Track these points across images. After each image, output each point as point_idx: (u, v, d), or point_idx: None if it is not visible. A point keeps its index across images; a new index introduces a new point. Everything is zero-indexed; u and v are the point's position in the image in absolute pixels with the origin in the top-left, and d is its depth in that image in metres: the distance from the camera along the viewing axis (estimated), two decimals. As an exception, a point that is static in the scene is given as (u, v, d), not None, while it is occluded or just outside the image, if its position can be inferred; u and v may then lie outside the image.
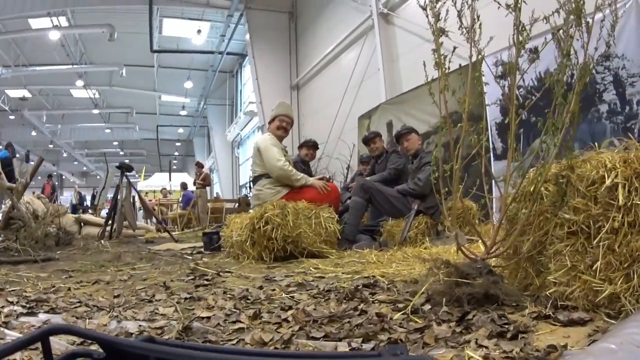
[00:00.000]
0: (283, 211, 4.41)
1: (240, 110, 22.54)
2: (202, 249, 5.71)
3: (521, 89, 6.01)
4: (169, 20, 19.14)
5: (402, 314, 1.88)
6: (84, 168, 43.37)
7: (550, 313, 1.82)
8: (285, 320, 1.90)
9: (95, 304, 2.49)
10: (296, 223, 4.40)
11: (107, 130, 33.29)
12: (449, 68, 2.27)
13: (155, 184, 25.81)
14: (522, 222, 1.96)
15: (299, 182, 5.01)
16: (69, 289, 2.99)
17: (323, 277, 3.08)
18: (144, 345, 0.62)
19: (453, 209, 2.14)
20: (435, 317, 1.80)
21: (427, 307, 1.91)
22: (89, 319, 2.21)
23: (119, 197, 8.14)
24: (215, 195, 22.16)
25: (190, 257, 4.96)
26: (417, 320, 1.80)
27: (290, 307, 2.10)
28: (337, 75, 13.41)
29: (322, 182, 5.12)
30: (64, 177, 43.94)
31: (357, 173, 8.13)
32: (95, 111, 29.12)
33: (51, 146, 34.39)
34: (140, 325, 2.02)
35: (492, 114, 6.15)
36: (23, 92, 24.88)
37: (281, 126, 5.29)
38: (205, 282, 3.02)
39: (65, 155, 38.05)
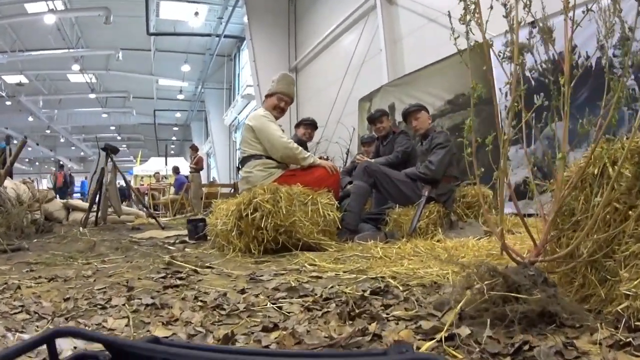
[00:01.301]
0: (275, 196, 3.79)
1: (238, 93, 22.31)
2: (187, 238, 5.18)
3: (534, 72, 5.56)
4: (166, 2, 19.02)
5: (435, 341, 1.34)
6: (82, 153, 43.21)
7: (631, 339, 1.32)
8: (267, 348, 1.36)
9: (38, 309, 2.06)
10: (290, 210, 3.81)
11: (104, 115, 33.40)
12: (489, 11, 1.74)
13: (151, 168, 25.65)
14: (598, 214, 1.43)
15: (306, 162, 4.50)
16: (19, 287, 2.56)
17: (320, 278, 2.55)
18: (149, 347, 0.63)
19: (500, 193, 1.59)
20: (478, 348, 1.27)
21: (464, 329, 1.38)
22: (20, 332, 1.76)
23: (104, 181, 7.61)
24: (212, 179, 21.73)
25: (172, 248, 4.45)
26: (455, 353, 1.27)
27: (275, 326, 1.56)
28: (338, 57, 13.13)
29: (330, 163, 4.68)
30: (61, 162, 43.76)
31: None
32: (92, 96, 29.17)
33: (48, 132, 34.65)
34: (75, 347, 1.50)
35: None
36: (19, 78, 24.95)
37: (279, 106, 4.72)
38: (178, 282, 2.49)
39: (62, 140, 37.89)
